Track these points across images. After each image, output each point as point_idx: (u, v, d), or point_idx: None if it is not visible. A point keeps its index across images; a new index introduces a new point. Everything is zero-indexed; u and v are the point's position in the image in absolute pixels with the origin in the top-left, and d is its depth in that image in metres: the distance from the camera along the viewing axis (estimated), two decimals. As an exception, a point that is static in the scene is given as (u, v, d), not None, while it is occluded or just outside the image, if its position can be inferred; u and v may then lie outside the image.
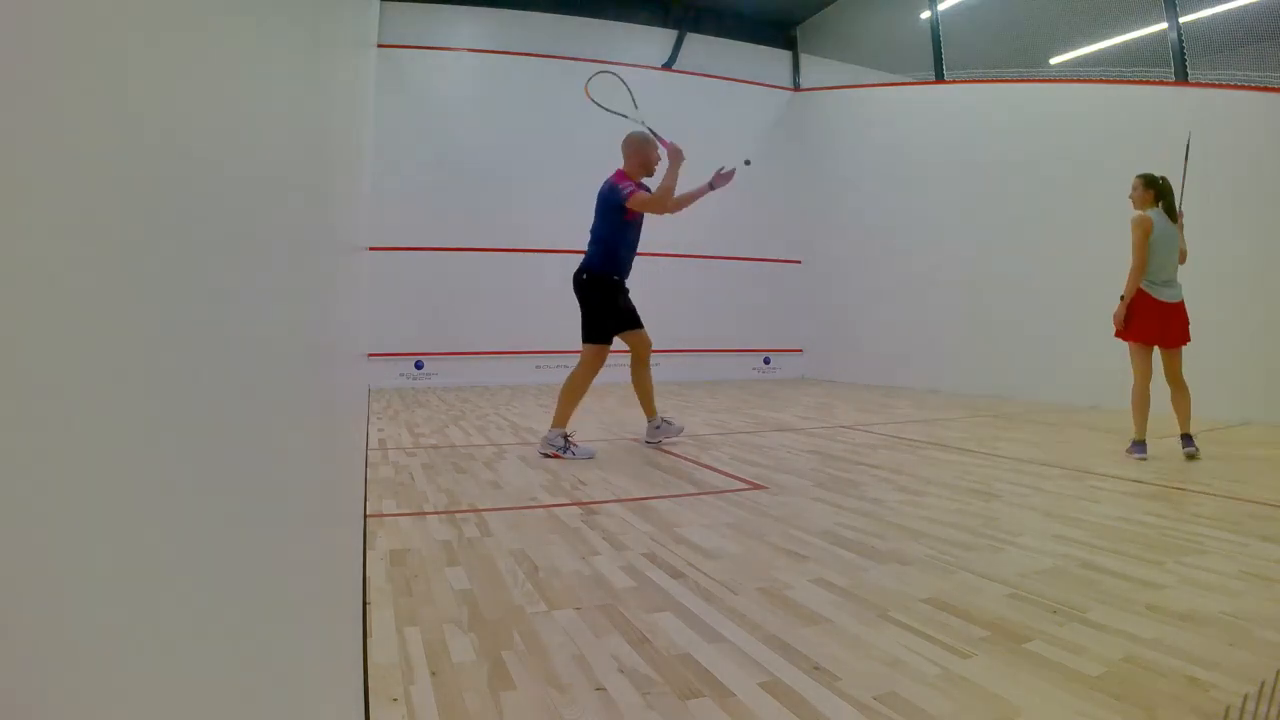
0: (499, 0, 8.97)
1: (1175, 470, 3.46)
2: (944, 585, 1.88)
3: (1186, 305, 3.86)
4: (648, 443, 4.21)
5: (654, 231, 9.62)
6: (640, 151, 4.01)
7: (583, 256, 4.01)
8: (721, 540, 2.30)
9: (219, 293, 0.44)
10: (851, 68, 9.60)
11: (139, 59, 0.30)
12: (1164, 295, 3.81)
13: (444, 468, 3.53)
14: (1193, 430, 3.78)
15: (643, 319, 4.11)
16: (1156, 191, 3.91)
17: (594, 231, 3.99)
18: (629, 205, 3.84)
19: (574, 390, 3.92)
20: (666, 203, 3.81)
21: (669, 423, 4.22)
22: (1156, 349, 3.87)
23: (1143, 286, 3.83)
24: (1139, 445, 3.81)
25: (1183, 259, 3.89)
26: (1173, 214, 3.88)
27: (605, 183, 3.99)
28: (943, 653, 1.48)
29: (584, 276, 3.96)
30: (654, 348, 4.16)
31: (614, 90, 4.38)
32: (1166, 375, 3.85)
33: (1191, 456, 3.70)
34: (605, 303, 3.94)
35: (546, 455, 3.79)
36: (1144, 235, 3.81)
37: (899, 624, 1.63)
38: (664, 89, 9.78)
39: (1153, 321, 3.81)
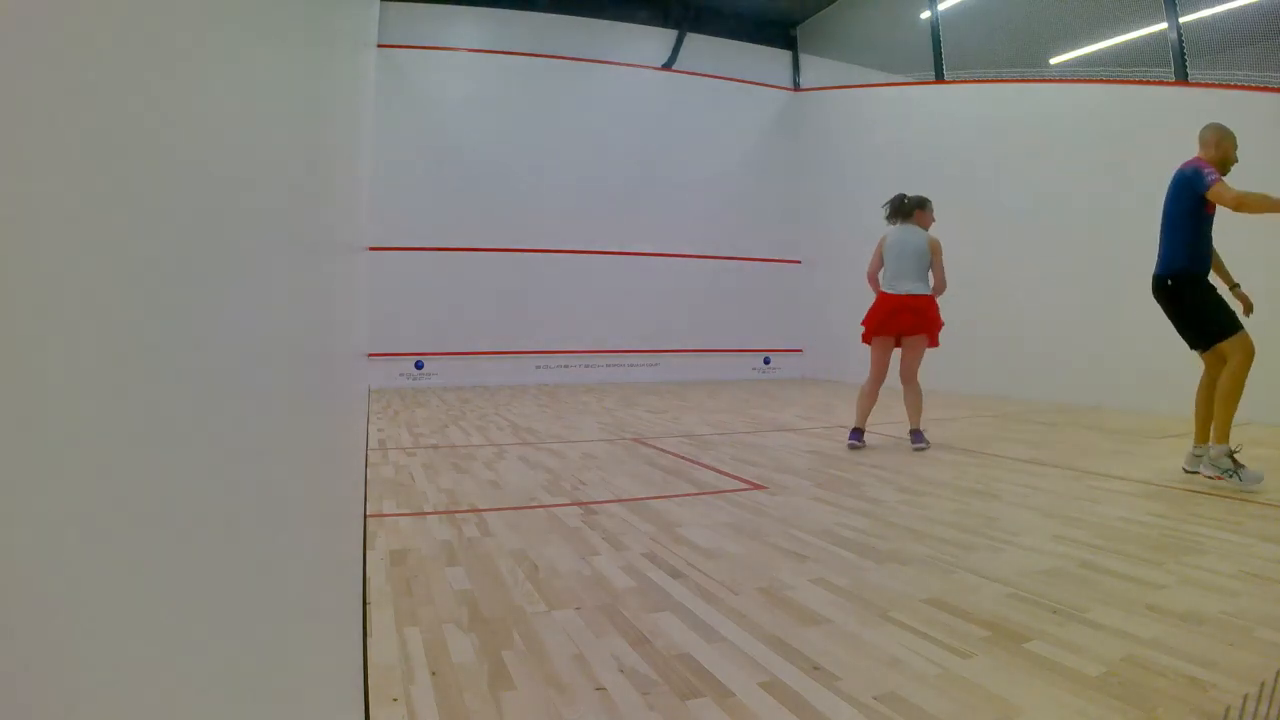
0: (499, 0, 8.97)
1: (1175, 470, 3.45)
2: (944, 585, 1.88)
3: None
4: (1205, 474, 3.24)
5: (654, 231, 9.66)
6: (1222, 144, 3.41)
7: (1201, 259, 3.28)
8: (721, 540, 2.30)
9: (217, 293, 0.44)
10: (851, 68, 9.60)
11: (137, 59, 0.30)
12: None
13: (444, 468, 3.53)
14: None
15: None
16: None
17: (1172, 229, 3.28)
18: (1210, 195, 3.18)
19: (1232, 394, 3.24)
20: (1250, 201, 3.08)
21: (1236, 463, 3.16)
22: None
23: None
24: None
25: None
26: None
27: (1183, 171, 3.31)
28: (943, 653, 1.48)
29: (1169, 283, 3.30)
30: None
31: None
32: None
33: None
34: (1204, 298, 3.27)
35: (1212, 478, 3.14)
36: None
37: (899, 624, 1.63)
38: (664, 89, 9.79)
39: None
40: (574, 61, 9.30)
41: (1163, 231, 3.34)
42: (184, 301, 0.36)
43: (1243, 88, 5.47)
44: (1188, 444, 3.71)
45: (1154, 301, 4.93)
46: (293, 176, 0.79)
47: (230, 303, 0.47)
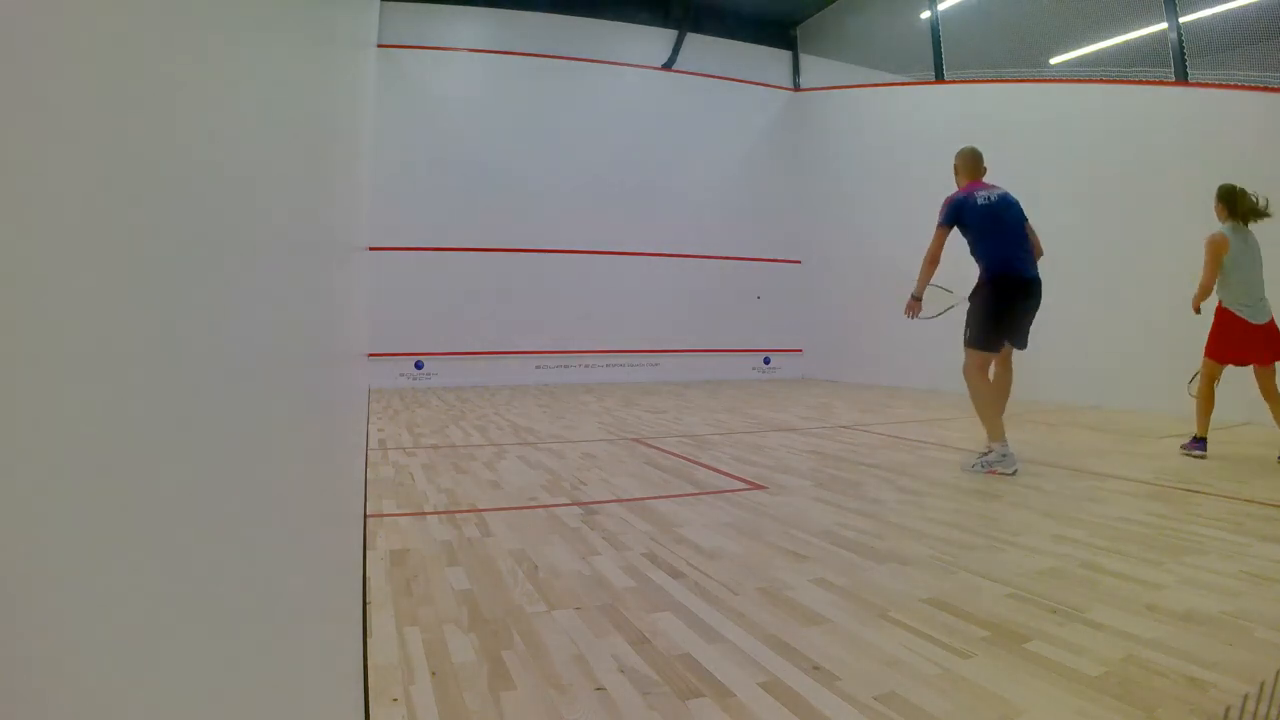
0: (499, 0, 8.97)
1: (1175, 470, 3.46)
2: (944, 585, 1.88)
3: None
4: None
5: (654, 231, 9.64)
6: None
7: (1002, 263, 3.96)
8: (721, 540, 2.30)
9: (217, 293, 0.44)
10: (851, 68, 9.60)
11: (137, 59, 0.30)
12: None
13: (444, 468, 3.53)
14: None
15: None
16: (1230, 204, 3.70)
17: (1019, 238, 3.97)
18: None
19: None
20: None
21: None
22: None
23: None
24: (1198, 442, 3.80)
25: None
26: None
27: (1008, 195, 4.13)
28: (943, 653, 1.48)
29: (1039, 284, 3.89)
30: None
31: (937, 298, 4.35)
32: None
33: None
34: None
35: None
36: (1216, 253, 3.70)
37: (899, 624, 1.63)
38: (664, 89, 9.79)
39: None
40: (574, 61, 9.30)
41: (1020, 240, 4.00)
42: (183, 302, 0.36)
43: (1243, 88, 5.47)
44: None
45: (1152, 302, 4.90)
46: (293, 177, 0.79)
47: (229, 303, 0.47)
